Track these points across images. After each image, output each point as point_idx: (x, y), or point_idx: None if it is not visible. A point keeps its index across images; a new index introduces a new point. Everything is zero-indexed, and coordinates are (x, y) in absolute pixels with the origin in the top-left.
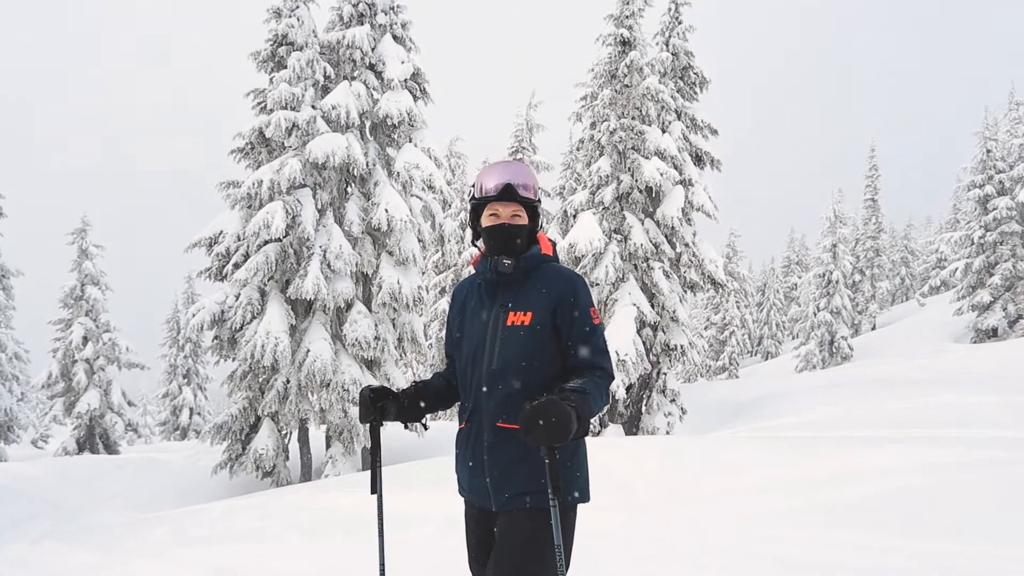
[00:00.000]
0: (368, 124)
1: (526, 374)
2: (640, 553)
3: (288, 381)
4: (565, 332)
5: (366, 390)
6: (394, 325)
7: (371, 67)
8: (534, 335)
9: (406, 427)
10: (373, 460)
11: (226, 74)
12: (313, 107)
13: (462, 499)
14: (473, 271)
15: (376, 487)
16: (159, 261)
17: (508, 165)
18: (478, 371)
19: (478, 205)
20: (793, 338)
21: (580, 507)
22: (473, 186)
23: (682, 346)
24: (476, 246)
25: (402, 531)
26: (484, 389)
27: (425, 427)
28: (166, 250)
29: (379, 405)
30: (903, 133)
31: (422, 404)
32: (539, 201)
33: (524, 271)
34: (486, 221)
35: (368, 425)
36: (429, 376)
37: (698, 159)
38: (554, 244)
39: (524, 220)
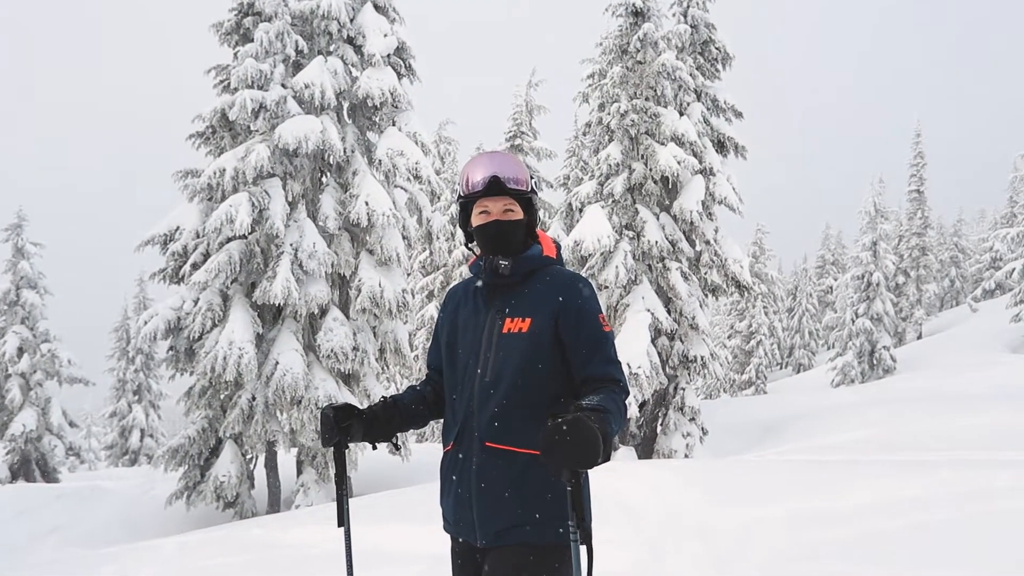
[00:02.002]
0: (346, 105)
1: (522, 388)
2: None
3: (254, 398)
4: (571, 342)
5: (328, 409)
6: (375, 334)
7: (349, 40)
8: (532, 343)
9: (374, 447)
10: (339, 488)
11: (185, 48)
12: (283, 86)
13: (448, 536)
14: (468, 273)
15: (343, 519)
16: (106, 261)
17: (493, 156)
18: (469, 384)
19: (466, 204)
20: (828, 348)
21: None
22: (458, 184)
23: (703, 357)
24: (470, 249)
25: (382, 571)
26: (475, 404)
27: (396, 447)
28: (114, 249)
29: (344, 425)
30: (952, 115)
31: (392, 422)
32: (533, 192)
33: (524, 274)
34: (476, 220)
35: (332, 449)
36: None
37: (720, 145)
38: (558, 245)
39: (518, 214)
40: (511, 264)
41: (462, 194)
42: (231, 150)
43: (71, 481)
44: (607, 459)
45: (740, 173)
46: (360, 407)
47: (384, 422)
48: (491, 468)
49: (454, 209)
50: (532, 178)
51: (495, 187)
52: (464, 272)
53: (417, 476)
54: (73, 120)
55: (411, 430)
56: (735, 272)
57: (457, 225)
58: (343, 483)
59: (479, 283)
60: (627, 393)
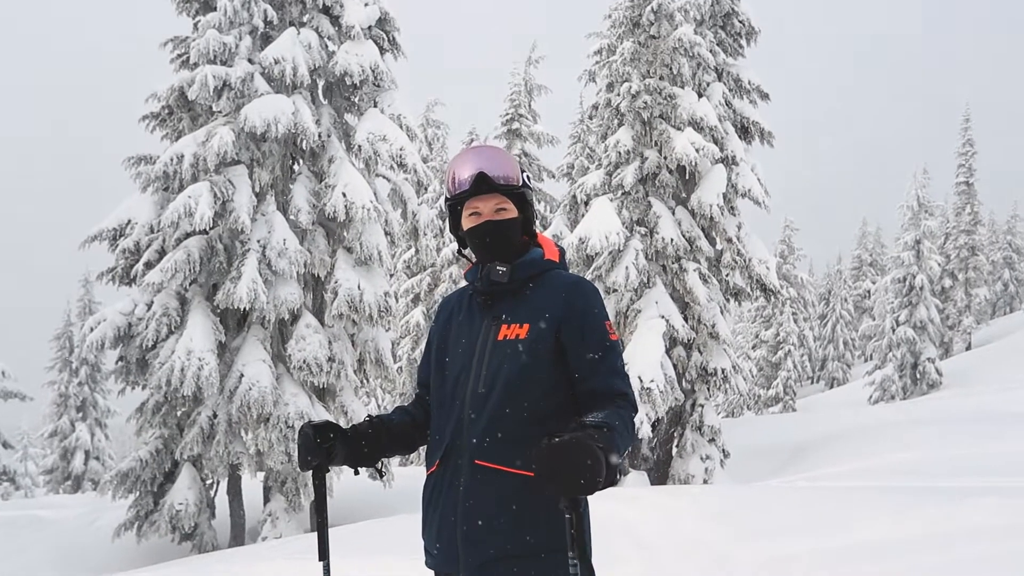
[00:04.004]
0: (321, 83)
1: (518, 400)
2: None
3: (215, 415)
4: (574, 352)
5: (307, 427)
6: (353, 343)
7: (325, 10)
8: (530, 352)
9: (356, 472)
10: (319, 517)
11: (138, 17)
12: (250, 61)
13: (431, 572)
14: (459, 274)
15: (324, 553)
16: (47, 259)
17: (479, 150)
18: (460, 396)
19: (455, 206)
20: (866, 360)
21: None
22: (445, 185)
23: (724, 370)
24: (463, 256)
25: None
26: (465, 418)
27: (380, 473)
28: (56, 245)
29: (324, 446)
30: (1006, 99)
31: (378, 444)
32: (526, 187)
33: (523, 279)
34: (467, 222)
35: (311, 472)
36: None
37: (744, 131)
38: (562, 250)
39: (512, 212)
40: (509, 270)
41: (448, 196)
42: (190, 133)
43: (4, 510)
44: (612, 483)
45: (766, 162)
46: (341, 426)
47: (370, 444)
48: (480, 489)
49: (443, 202)
50: (524, 172)
51: (483, 185)
52: (455, 273)
53: (400, 503)
54: (7, 93)
55: (398, 455)
56: (760, 274)
57: (446, 219)
58: (323, 510)
59: (474, 290)
60: (636, 409)
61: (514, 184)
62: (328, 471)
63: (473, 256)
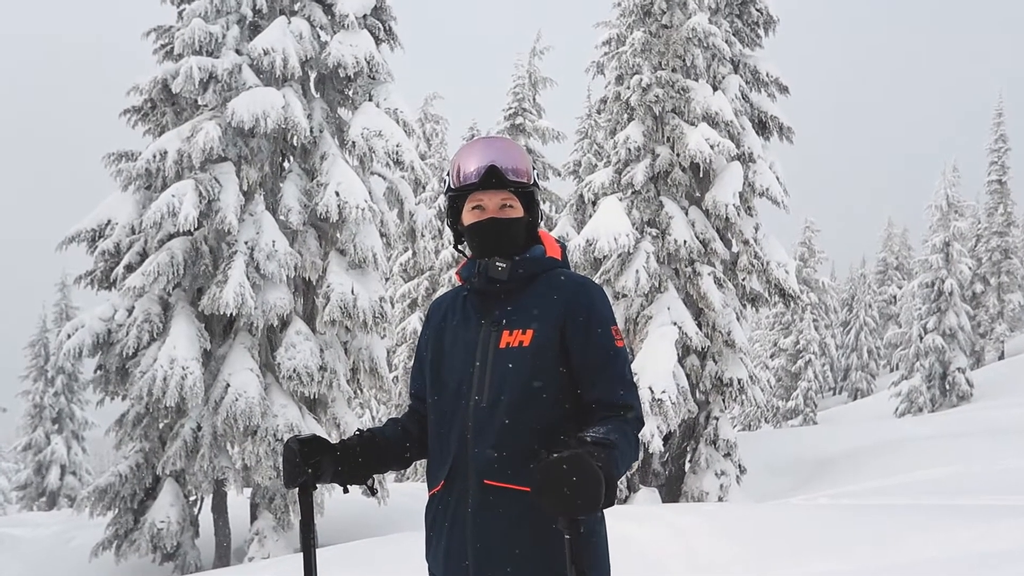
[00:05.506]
0: (313, 76)
1: (526, 412)
2: None
3: (199, 427)
4: (577, 358)
5: (292, 442)
6: (346, 350)
7: None
8: (535, 359)
9: (346, 490)
10: (305, 537)
11: (120, 5)
12: (238, 52)
13: None
14: (457, 281)
15: (311, 574)
16: (22, 262)
17: (490, 142)
18: (461, 410)
19: (457, 198)
20: (891, 370)
21: None
22: (448, 174)
23: (740, 380)
24: (460, 252)
25: None
26: (470, 434)
27: (372, 491)
28: (31, 247)
29: (311, 462)
30: None
31: (369, 460)
32: (535, 186)
33: (523, 278)
34: (468, 217)
35: (297, 489)
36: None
37: (762, 126)
38: (563, 246)
39: (518, 211)
40: (509, 267)
41: (453, 186)
42: (174, 129)
43: None
44: (611, 503)
45: (785, 159)
46: (330, 440)
47: (359, 460)
48: (491, 510)
49: (442, 201)
50: (534, 168)
51: (492, 178)
52: (453, 277)
53: (396, 521)
54: None
55: (392, 471)
56: (779, 278)
57: (445, 222)
58: (310, 531)
59: (469, 291)
60: (642, 423)
61: (524, 181)
62: (316, 489)
63: (469, 252)
